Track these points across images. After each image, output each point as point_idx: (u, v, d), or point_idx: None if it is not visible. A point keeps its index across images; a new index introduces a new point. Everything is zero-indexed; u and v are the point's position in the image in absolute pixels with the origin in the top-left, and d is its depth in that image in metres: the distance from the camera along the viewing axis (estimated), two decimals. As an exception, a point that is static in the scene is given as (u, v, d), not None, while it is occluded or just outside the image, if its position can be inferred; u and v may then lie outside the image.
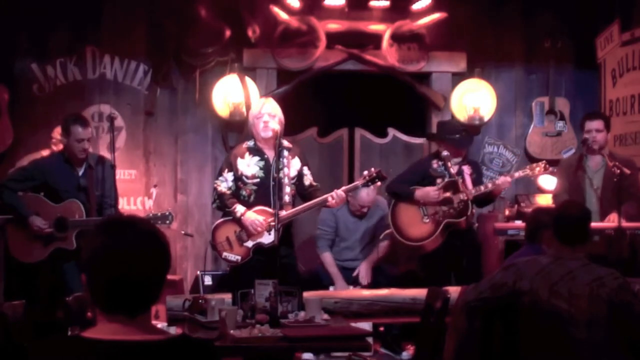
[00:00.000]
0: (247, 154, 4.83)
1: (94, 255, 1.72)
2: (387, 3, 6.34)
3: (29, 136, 6.09)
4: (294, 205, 4.81)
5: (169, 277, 4.47)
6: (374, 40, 6.43)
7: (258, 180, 4.79)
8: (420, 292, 4.28)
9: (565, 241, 3.14)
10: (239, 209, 4.76)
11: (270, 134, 4.71)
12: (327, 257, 5.74)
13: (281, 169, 4.76)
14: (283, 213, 4.65)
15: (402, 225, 5.53)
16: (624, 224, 4.84)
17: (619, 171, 4.88)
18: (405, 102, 6.78)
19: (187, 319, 3.74)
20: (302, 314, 3.71)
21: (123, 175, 6.18)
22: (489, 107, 6.54)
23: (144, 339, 1.71)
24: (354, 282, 5.66)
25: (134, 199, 6.34)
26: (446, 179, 5.41)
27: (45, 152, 5.76)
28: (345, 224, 5.82)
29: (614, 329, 2.91)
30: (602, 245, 4.85)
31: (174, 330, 3.27)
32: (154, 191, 6.26)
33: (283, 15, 6.26)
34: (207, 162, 6.46)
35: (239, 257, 4.82)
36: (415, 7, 6.33)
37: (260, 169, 4.80)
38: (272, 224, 4.51)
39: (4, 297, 5.13)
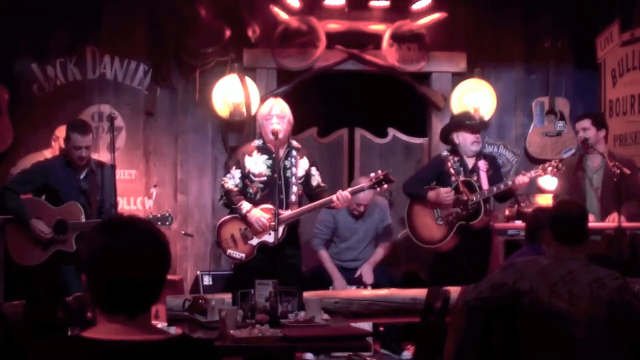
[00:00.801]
0: (255, 152, 4.88)
1: (94, 255, 1.72)
2: (387, 3, 6.34)
3: (29, 136, 6.09)
4: (300, 205, 4.83)
5: (169, 277, 4.47)
6: (374, 40, 6.43)
7: (265, 178, 4.82)
8: (420, 292, 4.28)
9: (564, 241, 3.13)
10: (245, 205, 4.79)
11: (271, 137, 4.74)
12: (324, 255, 5.76)
13: (289, 168, 4.80)
14: (287, 212, 4.68)
15: (416, 226, 5.53)
16: (624, 224, 4.84)
17: (619, 171, 4.89)
18: (405, 102, 6.78)
19: (187, 319, 3.74)
20: (302, 314, 3.71)
21: (123, 175, 6.18)
22: (489, 107, 6.54)
23: (144, 339, 1.71)
24: (355, 283, 5.65)
25: (134, 199, 6.34)
26: (461, 177, 5.39)
27: (46, 152, 5.78)
28: (345, 225, 5.82)
29: (614, 329, 2.91)
30: (603, 245, 4.85)
31: (174, 330, 3.27)
32: (154, 191, 6.26)
33: (283, 15, 6.26)
34: (207, 162, 6.46)
35: (243, 255, 4.85)
36: (415, 7, 6.33)
37: (268, 167, 4.83)
38: (274, 223, 4.53)
39: (4, 297, 5.13)
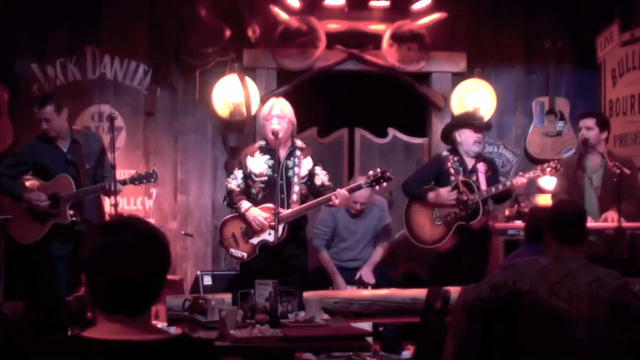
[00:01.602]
0: (257, 153, 4.93)
1: (94, 255, 1.72)
2: (387, 3, 6.34)
3: (29, 136, 6.08)
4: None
5: (169, 277, 4.47)
6: (374, 40, 6.43)
7: (266, 178, 4.85)
8: (420, 292, 4.28)
9: (564, 241, 3.13)
10: (244, 204, 4.84)
11: (271, 137, 4.74)
12: (325, 255, 5.75)
13: (291, 168, 4.83)
14: (286, 211, 4.68)
15: (414, 226, 5.53)
16: (624, 224, 4.84)
17: (618, 171, 4.89)
18: (405, 102, 6.78)
19: (187, 319, 3.74)
20: (302, 314, 3.71)
21: (123, 175, 6.17)
22: (489, 107, 6.53)
23: (144, 339, 1.71)
24: (355, 283, 5.65)
25: (134, 199, 6.34)
26: (460, 177, 5.39)
27: None
28: (344, 225, 5.81)
29: (614, 329, 2.91)
30: (602, 245, 4.85)
31: (174, 330, 3.27)
32: (153, 191, 6.26)
33: (283, 15, 6.26)
34: (207, 162, 6.46)
35: (244, 254, 4.87)
36: (415, 7, 6.33)
37: (269, 167, 4.85)
38: (274, 222, 4.53)
39: (4, 297, 5.15)
